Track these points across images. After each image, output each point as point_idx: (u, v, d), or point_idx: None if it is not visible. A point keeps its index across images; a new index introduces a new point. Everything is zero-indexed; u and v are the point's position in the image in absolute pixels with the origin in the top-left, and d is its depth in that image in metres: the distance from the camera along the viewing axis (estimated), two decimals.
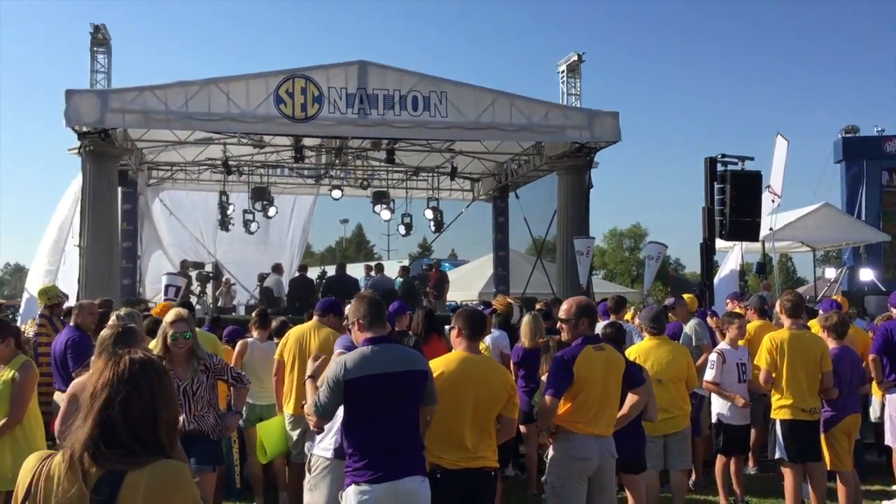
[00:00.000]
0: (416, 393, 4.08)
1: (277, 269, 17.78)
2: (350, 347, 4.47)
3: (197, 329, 7.02)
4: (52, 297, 8.15)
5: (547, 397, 4.84)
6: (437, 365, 4.42)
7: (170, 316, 5.37)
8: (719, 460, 7.31)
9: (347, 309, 4.72)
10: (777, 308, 7.21)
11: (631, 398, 5.25)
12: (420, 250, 27.12)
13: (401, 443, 4.00)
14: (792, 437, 6.51)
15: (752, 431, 7.99)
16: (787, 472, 6.57)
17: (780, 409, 6.59)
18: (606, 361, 4.99)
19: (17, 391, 5.42)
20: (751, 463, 8.54)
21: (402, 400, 4.02)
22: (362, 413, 4.00)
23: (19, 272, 72.98)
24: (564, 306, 5.18)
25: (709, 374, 7.25)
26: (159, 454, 2.19)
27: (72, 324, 7.24)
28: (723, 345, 7.48)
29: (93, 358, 5.54)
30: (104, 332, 4.73)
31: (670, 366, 6.42)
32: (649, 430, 6.01)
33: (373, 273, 17.92)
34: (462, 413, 4.35)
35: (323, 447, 4.67)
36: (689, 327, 8.55)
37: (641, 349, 6.50)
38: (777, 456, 6.64)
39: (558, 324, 5.26)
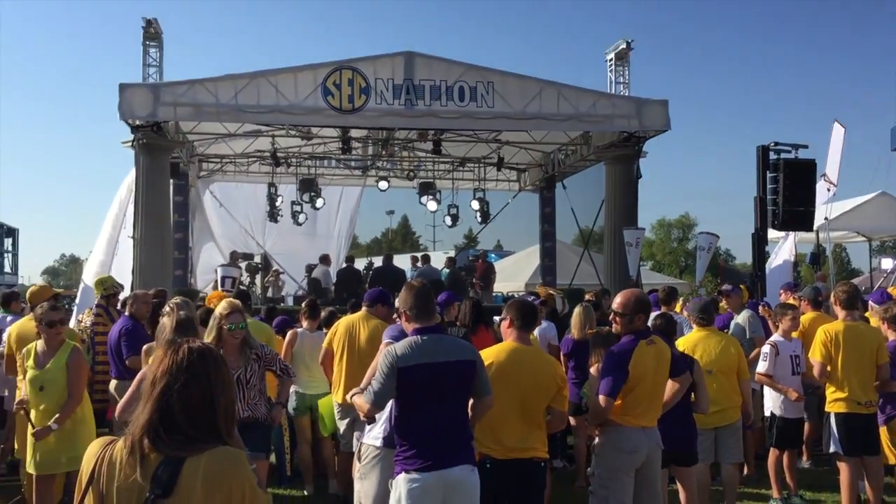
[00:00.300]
0: (466, 383, 4.09)
1: (325, 260, 17.92)
2: (398, 337, 4.50)
3: (252, 320, 7.15)
4: (108, 287, 8.31)
5: (602, 397, 4.75)
6: (488, 355, 4.43)
7: (224, 307, 5.43)
8: (772, 454, 7.19)
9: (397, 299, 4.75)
10: (832, 300, 7.07)
11: (671, 386, 5.19)
12: (466, 241, 27.09)
13: (450, 432, 4.02)
14: (847, 431, 6.40)
15: (806, 425, 7.84)
16: (843, 467, 6.46)
17: (835, 402, 6.49)
18: (657, 355, 4.94)
19: (72, 375, 5.60)
20: (804, 456, 8.39)
21: (451, 389, 4.04)
22: (412, 401, 4.03)
23: (75, 263, 74.78)
24: (620, 299, 5.04)
25: (761, 367, 7.12)
26: (217, 441, 2.24)
27: (126, 313, 7.39)
28: (776, 336, 7.34)
29: (145, 347, 5.67)
30: (164, 321, 4.84)
31: (719, 357, 6.33)
32: (700, 422, 5.93)
33: (419, 264, 17.97)
34: (512, 403, 4.36)
35: (373, 436, 4.70)
36: (742, 318, 8.40)
37: (690, 340, 6.41)
38: (832, 450, 6.52)
39: (611, 316, 5.15)
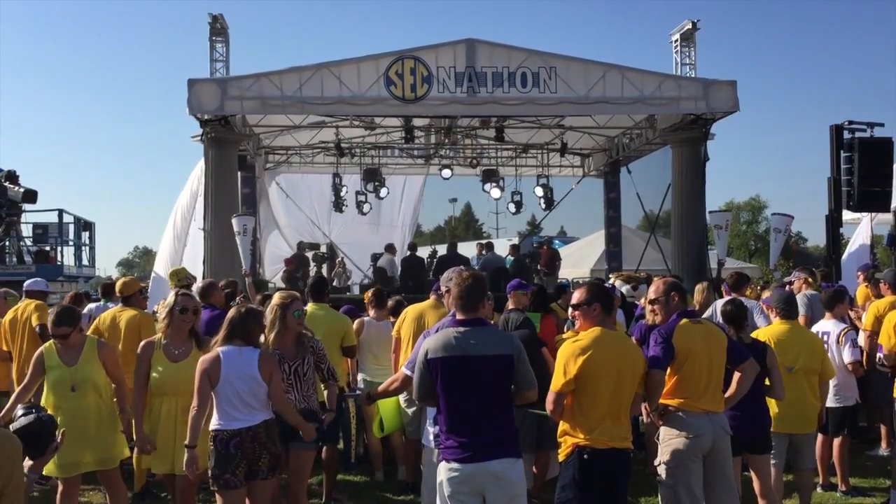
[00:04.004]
0: (503, 377, 4.06)
1: (390, 248, 18.04)
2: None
3: (328, 310, 7.23)
4: (181, 278, 8.53)
5: (653, 371, 4.70)
6: (588, 344, 4.35)
7: (285, 297, 5.48)
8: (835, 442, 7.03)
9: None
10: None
11: (736, 376, 5.02)
12: (529, 228, 26.95)
13: (488, 425, 4.02)
14: None
15: None
16: None
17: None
18: (706, 334, 4.87)
19: (110, 368, 5.59)
20: (884, 444, 8.15)
21: (487, 383, 4.03)
22: (447, 394, 4.06)
23: (147, 255, 76.89)
24: (652, 287, 5.13)
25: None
26: None
27: (205, 303, 7.50)
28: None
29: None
30: (231, 312, 4.93)
31: (802, 355, 5.90)
32: (775, 425, 5.71)
33: (484, 252, 17.96)
34: (610, 391, 4.33)
35: (428, 439, 4.80)
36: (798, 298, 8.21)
37: (771, 333, 5.99)
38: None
39: (649, 309, 5.15)
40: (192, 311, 5.46)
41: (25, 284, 8.37)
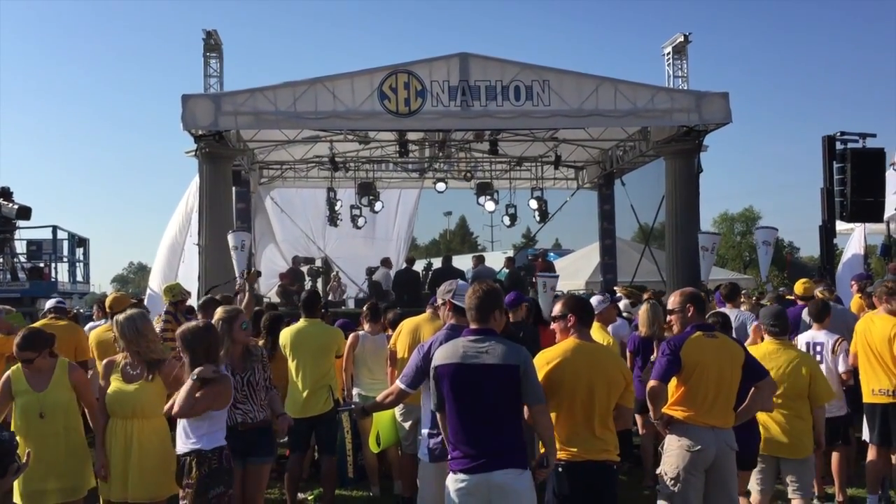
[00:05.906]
0: (508, 388, 4.03)
1: (386, 262, 18.03)
2: (447, 338, 4.54)
3: (316, 321, 7.18)
4: (176, 294, 8.53)
5: (652, 382, 4.78)
6: (555, 354, 4.38)
7: (230, 311, 5.47)
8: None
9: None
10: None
11: (754, 392, 4.98)
12: (524, 240, 27.00)
13: (491, 435, 4.00)
14: (870, 420, 6.73)
15: None
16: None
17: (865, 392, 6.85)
18: (719, 348, 4.85)
19: (81, 391, 5.33)
20: None
21: (490, 393, 4.01)
22: (451, 402, 4.07)
23: (142, 271, 76.76)
24: (672, 298, 5.15)
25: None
26: None
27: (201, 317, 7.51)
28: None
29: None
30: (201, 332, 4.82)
31: (788, 377, 5.58)
32: (761, 447, 5.62)
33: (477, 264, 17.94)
34: (583, 404, 4.31)
35: (421, 452, 4.80)
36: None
37: (757, 353, 5.56)
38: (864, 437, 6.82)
39: (667, 316, 5.19)
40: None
41: (55, 303, 8.62)
